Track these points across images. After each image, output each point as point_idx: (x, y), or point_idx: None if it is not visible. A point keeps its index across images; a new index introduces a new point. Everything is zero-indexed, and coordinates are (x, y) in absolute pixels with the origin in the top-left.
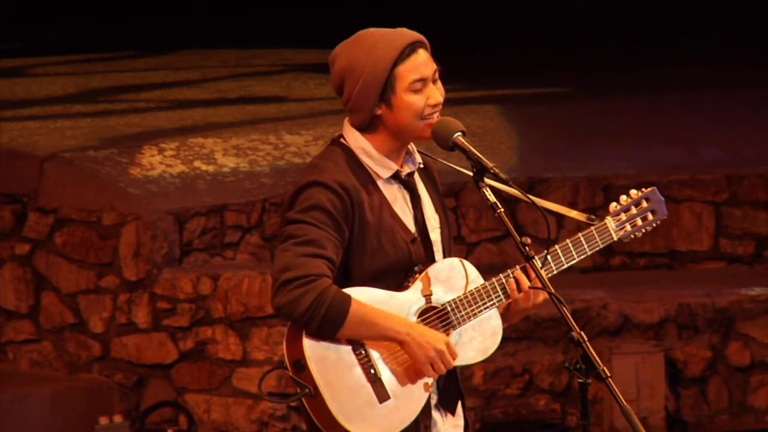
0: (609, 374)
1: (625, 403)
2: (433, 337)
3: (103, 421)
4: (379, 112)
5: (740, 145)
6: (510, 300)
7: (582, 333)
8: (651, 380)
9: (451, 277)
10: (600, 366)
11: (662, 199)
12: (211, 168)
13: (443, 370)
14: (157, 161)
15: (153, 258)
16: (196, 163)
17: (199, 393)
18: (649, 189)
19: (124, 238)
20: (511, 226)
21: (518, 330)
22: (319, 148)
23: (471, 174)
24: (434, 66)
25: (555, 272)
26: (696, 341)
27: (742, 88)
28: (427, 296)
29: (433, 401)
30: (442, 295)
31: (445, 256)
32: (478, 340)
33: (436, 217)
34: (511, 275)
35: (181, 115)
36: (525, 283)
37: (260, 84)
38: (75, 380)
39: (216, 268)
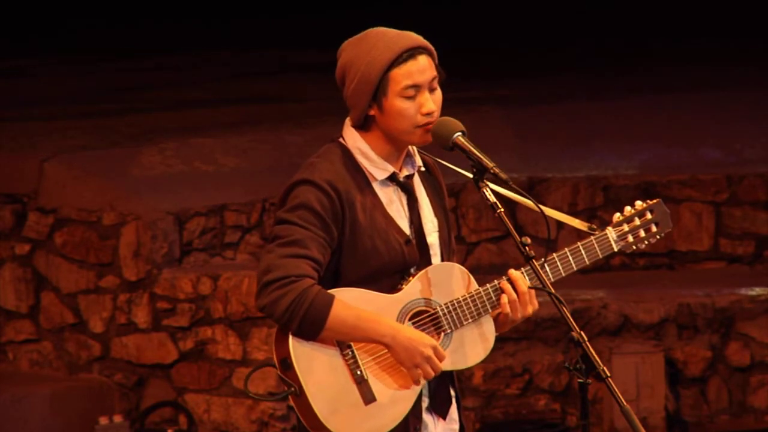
0: (609, 374)
1: (625, 403)
2: (420, 342)
3: (103, 421)
4: (372, 112)
5: (740, 145)
6: (498, 310)
7: (582, 333)
8: (651, 380)
9: (446, 281)
10: (600, 366)
11: (667, 211)
12: (211, 168)
13: (432, 374)
14: (157, 161)
15: (153, 258)
16: (196, 163)
17: (199, 393)
18: (655, 201)
19: (124, 238)
20: (511, 226)
21: (518, 330)
22: (319, 149)
23: (471, 174)
24: (433, 73)
25: (552, 281)
26: (696, 341)
27: (742, 88)
28: (423, 299)
29: (425, 404)
30: (435, 299)
31: (443, 260)
32: (469, 345)
33: (435, 220)
34: (499, 287)
35: (181, 115)
36: (512, 295)
37: (260, 84)
38: (75, 380)
39: (216, 268)
